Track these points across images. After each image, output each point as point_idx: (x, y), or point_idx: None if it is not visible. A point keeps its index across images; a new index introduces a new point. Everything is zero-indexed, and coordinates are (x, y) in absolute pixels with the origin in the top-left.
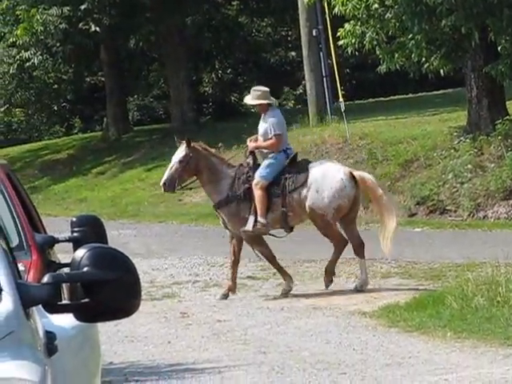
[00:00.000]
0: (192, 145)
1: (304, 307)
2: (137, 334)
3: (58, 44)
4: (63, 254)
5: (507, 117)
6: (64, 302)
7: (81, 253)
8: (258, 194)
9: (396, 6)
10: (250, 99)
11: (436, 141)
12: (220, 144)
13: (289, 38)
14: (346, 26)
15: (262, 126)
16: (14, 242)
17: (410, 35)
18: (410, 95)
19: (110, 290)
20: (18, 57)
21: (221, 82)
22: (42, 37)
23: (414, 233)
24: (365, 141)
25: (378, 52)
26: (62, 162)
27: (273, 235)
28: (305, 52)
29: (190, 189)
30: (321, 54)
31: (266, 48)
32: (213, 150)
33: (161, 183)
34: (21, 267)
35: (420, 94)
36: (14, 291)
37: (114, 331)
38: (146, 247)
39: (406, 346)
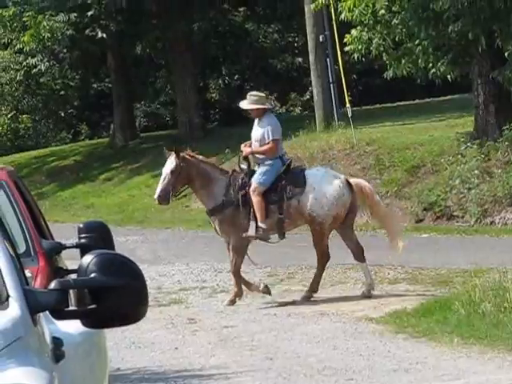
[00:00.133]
0: (181, 154)
1: (311, 313)
2: (144, 340)
3: (64, 50)
4: (70, 260)
5: None
6: (71, 308)
7: (88, 259)
8: (256, 200)
9: (403, 12)
10: (245, 104)
11: (443, 147)
12: (227, 150)
13: (296, 44)
14: (353, 32)
15: (258, 131)
16: (21, 248)
17: (417, 41)
18: (417, 101)
19: (117, 296)
20: (25, 63)
21: (227, 88)
22: (49, 43)
23: (421, 239)
24: (372, 147)
25: (384, 58)
26: (68, 168)
27: (265, 241)
28: (312, 58)
29: (185, 195)
30: (327, 59)
31: (272, 54)
32: (201, 157)
33: (155, 196)
34: (28, 274)
35: (427, 100)
36: (21, 297)
37: (121, 337)
38: (153, 253)
39: (413, 351)
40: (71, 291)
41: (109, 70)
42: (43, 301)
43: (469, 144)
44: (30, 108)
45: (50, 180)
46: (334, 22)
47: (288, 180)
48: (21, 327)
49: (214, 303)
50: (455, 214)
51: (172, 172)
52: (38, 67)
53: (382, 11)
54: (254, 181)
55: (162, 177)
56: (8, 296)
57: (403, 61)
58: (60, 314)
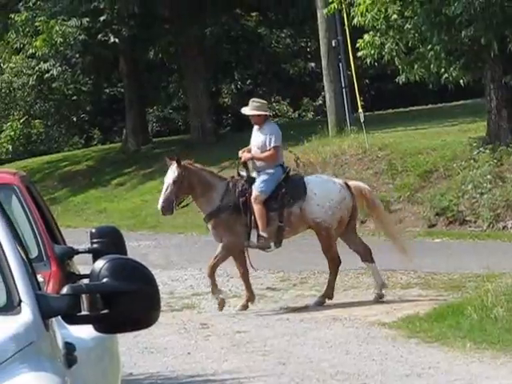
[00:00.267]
0: (182, 163)
1: (324, 318)
2: (156, 345)
3: (77, 55)
4: (83, 265)
5: None
6: (83, 313)
7: (100, 264)
8: (257, 208)
9: (415, 17)
10: (248, 110)
11: (456, 151)
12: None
13: (308, 49)
14: (366, 36)
15: (259, 138)
16: (34, 253)
17: (430, 46)
18: (430, 106)
19: (129, 301)
20: (37, 68)
21: (240, 93)
22: (62, 48)
23: (433, 243)
24: (384, 151)
25: (397, 63)
26: (81, 173)
27: (262, 249)
28: (324, 63)
29: (187, 205)
30: (340, 64)
31: (285, 59)
32: (199, 166)
33: (159, 207)
34: (40, 278)
35: (439, 105)
36: (33, 302)
37: (134, 342)
38: (166, 258)
39: (426, 356)
40: (83, 296)
41: (121, 74)
42: (55, 306)
43: (481, 149)
44: (42, 113)
45: (63, 185)
46: (346, 27)
47: (288, 188)
48: (33, 332)
49: (227, 308)
50: (468, 218)
51: (174, 182)
52: (51, 72)
53: (395, 16)
54: (255, 189)
55: (165, 187)
56: (20, 301)
57: (416, 66)
58: (72, 318)
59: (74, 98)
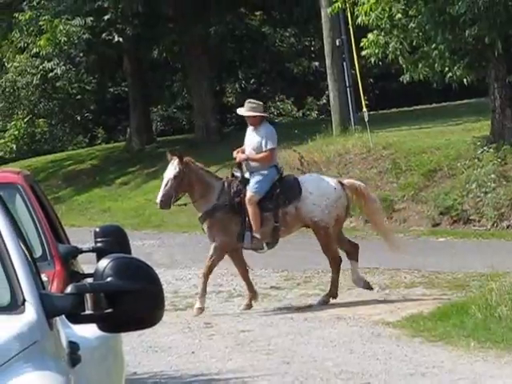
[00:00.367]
0: (184, 160)
1: (328, 317)
2: (160, 345)
3: (81, 54)
4: (87, 264)
5: None
6: (87, 312)
7: (104, 263)
8: (251, 209)
9: (419, 16)
10: (244, 111)
11: (460, 151)
12: None
13: (312, 48)
14: (370, 35)
15: (255, 139)
16: (38, 252)
17: (434, 45)
18: (434, 105)
19: (133, 301)
20: (41, 67)
21: (244, 92)
22: (66, 47)
23: (437, 243)
24: (388, 151)
25: (401, 62)
26: (85, 172)
27: (255, 250)
28: (328, 62)
29: (185, 204)
30: (344, 63)
31: (289, 58)
32: (199, 164)
33: (157, 200)
34: (44, 278)
35: (443, 104)
36: (37, 301)
37: (138, 341)
38: (170, 257)
39: (430, 355)
40: (87, 295)
41: (125, 73)
42: (59, 305)
43: (485, 148)
44: (46, 112)
45: (67, 184)
46: (350, 26)
47: (282, 188)
48: (37, 331)
49: (231, 307)
50: (472, 217)
51: (175, 177)
52: (55, 71)
53: (399, 15)
54: (250, 190)
55: (164, 181)
56: (24, 300)
57: (420, 65)
58: (76, 318)
59: (78, 97)
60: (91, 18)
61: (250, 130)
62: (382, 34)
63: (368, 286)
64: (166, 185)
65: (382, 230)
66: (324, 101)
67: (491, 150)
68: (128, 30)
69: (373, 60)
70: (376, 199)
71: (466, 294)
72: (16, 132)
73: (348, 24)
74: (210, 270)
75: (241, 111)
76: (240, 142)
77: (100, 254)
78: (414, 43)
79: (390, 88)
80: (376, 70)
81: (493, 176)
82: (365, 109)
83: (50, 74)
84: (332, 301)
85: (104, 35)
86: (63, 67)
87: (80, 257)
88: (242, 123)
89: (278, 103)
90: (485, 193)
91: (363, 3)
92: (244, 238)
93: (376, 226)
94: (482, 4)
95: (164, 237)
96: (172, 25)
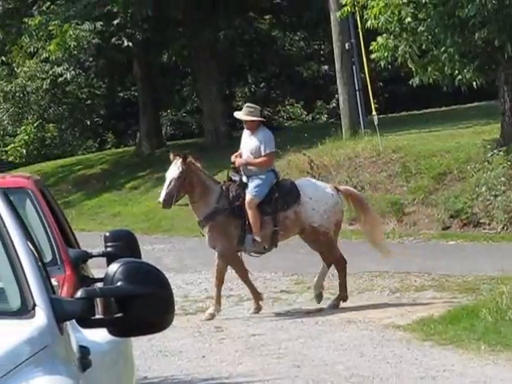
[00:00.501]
0: (188, 160)
1: (338, 321)
2: (171, 349)
3: (90, 59)
4: (97, 268)
5: None
6: (97, 316)
7: (114, 267)
8: (251, 212)
9: (429, 20)
10: (242, 115)
11: (469, 154)
12: None
13: (321, 52)
14: (379, 39)
15: (253, 143)
16: (48, 257)
17: (443, 48)
18: (444, 108)
19: (143, 305)
20: (51, 72)
21: (253, 96)
22: (75, 52)
23: (447, 246)
24: (398, 154)
25: (410, 65)
26: (95, 177)
27: (250, 254)
28: (338, 66)
29: (187, 204)
30: (353, 67)
31: (298, 62)
32: (199, 165)
33: (160, 199)
34: (54, 282)
35: (453, 107)
36: (47, 306)
37: (148, 346)
38: (180, 262)
39: (441, 359)
40: (98, 300)
41: (135, 78)
42: (70, 309)
43: (495, 151)
44: (56, 117)
45: (77, 189)
46: (359, 30)
47: (280, 192)
48: (47, 336)
49: (241, 311)
50: (482, 221)
51: (178, 177)
52: (64, 76)
53: (408, 19)
54: (249, 193)
55: (167, 181)
56: (35, 305)
57: (429, 68)
58: (86, 322)
59: (88, 101)
60: (101, 23)
61: (246, 134)
62: (392, 37)
63: (319, 299)
64: (169, 184)
65: (375, 236)
66: (333, 104)
67: (501, 152)
68: (137, 35)
69: (382, 63)
70: (371, 207)
71: (476, 298)
72: (26, 137)
73: (357, 27)
74: (219, 277)
75: (239, 115)
76: None
77: (110, 258)
78: (424, 46)
79: (400, 91)
80: (385, 74)
81: (503, 179)
82: (374, 112)
83: (60, 79)
84: (342, 304)
85: (114, 40)
86: (73, 72)
87: (90, 261)
88: None
89: (288, 107)
90: (495, 196)
91: (372, 7)
92: (245, 242)
93: (370, 232)
94: (492, 7)
95: (174, 241)
96: (181, 29)
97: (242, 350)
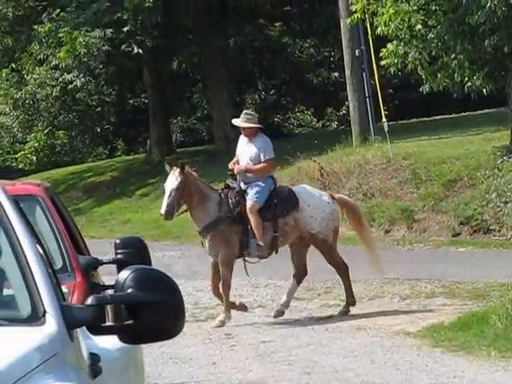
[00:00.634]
0: (186, 170)
1: (348, 327)
2: (181, 356)
3: (100, 66)
4: (107, 275)
5: None
6: (108, 323)
7: (125, 274)
8: (253, 218)
9: (438, 27)
10: (240, 122)
11: (479, 160)
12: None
13: (331, 59)
14: (389, 45)
15: (252, 150)
16: (58, 264)
17: (453, 55)
18: (454, 115)
19: (153, 312)
20: (60, 79)
21: (264, 103)
22: (85, 59)
23: (457, 252)
24: (408, 161)
25: (420, 72)
26: (105, 184)
27: (246, 261)
28: (348, 72)
29: (186, 211)
30: (364, 74)
31: (308, 69)
32: (196, 175)
33: (162, 211)
34: (64, 289)
35: (463, 114)
36: (58, 313)
37: (159, 353)
38: (190, 268)
39: (451, 365)
40: (108, 307)
41: (145, 85)
42: (80, 316)
43: (505, 158)
44: (66, 124)
45: (87, 196)
46: (369, 37)
47: (279, 198)
48: (58, 343)
49: (251, 318)
50: (492, 227)
51: (178, 188)
52: (74, 83)
53: (418, 26)
54: (250, 199)
55: (168, 192)
56: (45, 312)
57: (439, 75)
58: (97, 329)
59: (98, 108)
60: (111, 30)
61: (243, 140)
62: (402, 44)
63: (278, 314)
64: (170, 195)
65: (368, 245)
66: (344, 111)
67: (511, 159)
68: (147, 42)
69: (392, 70)
70: (364, 216)
71: (486, 304)
72: (36, 144)
73: (367, 34)
74: (225, 286)
75: (237, 122)
76: None
77: (120, 265)
78: (434, 53)
79: (410, 98)
80: (395, 81)
81: None
82: (384, 119)
83: (70, 86)
84: (353, 311)
85: (123, 47)
86: (83, 79)
87: (100, 268)
88: None
89: (298, 114)
90: (505, 202)
91: (382, 13)
92: (250, 247)
93: (363, 240)
94: (501, 14)
95: (184, 248)
96: (191, 36)
97: (253, 356)
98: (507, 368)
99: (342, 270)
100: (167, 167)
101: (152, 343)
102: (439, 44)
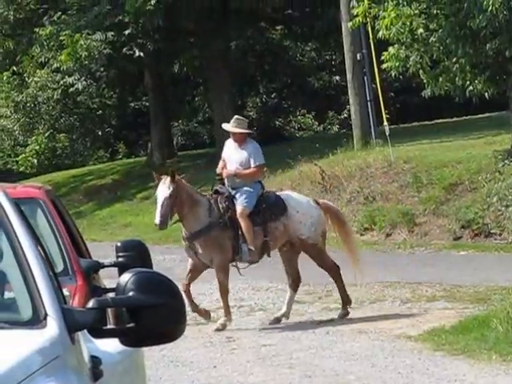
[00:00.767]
0: (176, 178)
1: (349, 331)
2: (182, 359)
3: (101, 69)
4: (108, 279)
5: None
6: (109, 326)
7: (126, 278)
8: (244, 222)
9: (440, 30)
10: (231, 127)
11: (481, 164)
12: (265, 169)
13: (333, 62)
14: (390, 49)
15: (242, 155)
16: (59, 267)
17: (454, 59)
18: (455, 119)
19: (155, 315)
20: (62, 82)
21: (265, 107)
22: (86, 62)
23: (458, 256)
24: (409, 164)
25: (422, 76)
26: (106, 187)
27: (237, 266)
28: (349, 76)
29: (179, 221)
30: (365, 77)
31: (310, 72)
32: (185, 182)
33: (157, 221)
34: (66, 292)
35: (464, 118)
36: (59, 316)
37: (160, 356)
38: None
39: (452, 369)
40: (109, 310)
41: (146, 88)
42: (81, 319)
43: (506, 161)
44: (67, 127)
45: (88, 199)
46: (371, 40)
47: (267, 203)
48: (59, 346)
49: (252, 322)
50: (493, 231)
51: (170, 196)
52: (75, 86)
53: (420, 29)
54: (240, 204)
55: (160, 202)
56: (46, 315)
57: (441, 79)
58: (98, 332)
59: (99, 111)
60: (112, 33)
61: (232, 146)
62: (403, 47)
63: (275, 321)
64: (162, 205)
65: (350, 249)
66: (345, 115)
67: None
68: (149, 45)
69: (393, 73)
70: (347, 221)
71: (487, 308)
72: (37, 147)
73: (369, 38)
74: (223, 291)
75: (227, 127)
76: None
77: (122, 268)
78: (435, 57)
79: (411, 102)
80: (397, 84)
81: None
82: (386, 123)
83: (71, 89)
84: (353, 314)
85: (125, 50)
86: (84, 82)
87: (102, 271)
88: (263, 137)
89: (299, 117)
90: (506, 206)
91: (384, 17)
92: (241, 251)
93: (346, 245)
94: (503, 18)
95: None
96: (192, 39)
97: (254, 360)
98: (508, 372)
99: (334, 271)
100: (155, 176)
101: (153, 346)
102: (441, 48)
